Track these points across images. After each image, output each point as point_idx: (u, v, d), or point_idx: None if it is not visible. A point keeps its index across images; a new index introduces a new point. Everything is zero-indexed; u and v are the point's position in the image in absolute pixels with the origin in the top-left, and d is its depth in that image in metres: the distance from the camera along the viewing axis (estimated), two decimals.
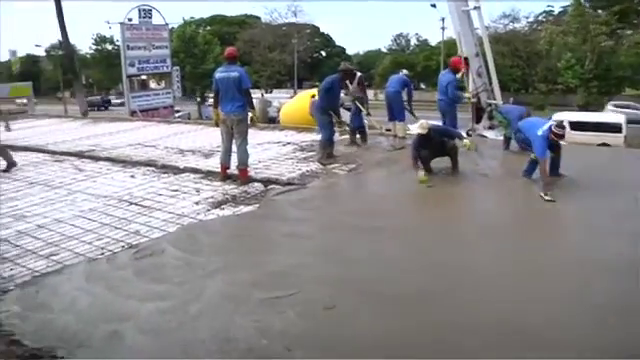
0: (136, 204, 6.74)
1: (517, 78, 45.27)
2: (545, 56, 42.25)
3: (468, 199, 6.87)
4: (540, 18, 48.44)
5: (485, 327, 3.55)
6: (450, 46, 38.68)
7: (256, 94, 18.55)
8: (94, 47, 56.87)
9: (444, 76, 9.92)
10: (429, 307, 3.86)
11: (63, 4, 23.32)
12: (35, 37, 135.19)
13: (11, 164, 9.32)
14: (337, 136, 9.37)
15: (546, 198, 6.18)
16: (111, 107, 51.43)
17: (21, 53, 70.35)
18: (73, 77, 24.15)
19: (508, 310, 3.77)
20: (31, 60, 68.23)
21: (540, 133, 6.58)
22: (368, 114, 9.90)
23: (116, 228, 5.86)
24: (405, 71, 10.72)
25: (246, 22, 63.96)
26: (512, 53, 44.78)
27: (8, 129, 11.75)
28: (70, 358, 3.39)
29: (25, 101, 30.20)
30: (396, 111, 10.14)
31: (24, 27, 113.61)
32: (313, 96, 9.93)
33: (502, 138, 9.18)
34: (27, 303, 4.12)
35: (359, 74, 9.82)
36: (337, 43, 67.45)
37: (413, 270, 4.49)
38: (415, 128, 7.84)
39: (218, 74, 7.48)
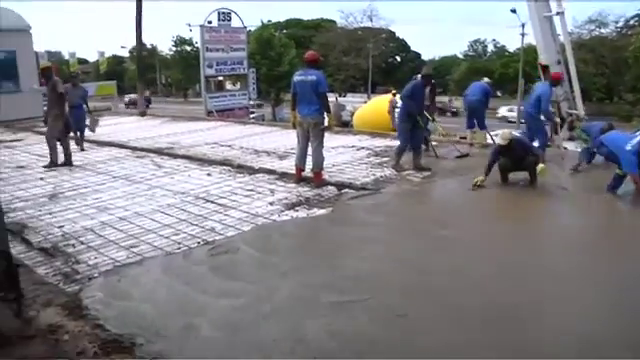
0: (212, 202, 6.90)
1: (601, 87, 43.08)
2: (634, 63, 39.53)
3: (546, 212, 6.61)
4: (632, 22, 45.89)
5: (563, 346, 3.40)
6: (529, 53, 37.49)
7: (330, 98, 18.63)
8: (174, 48, 59.05)
9: (540, 87, 9.37)
10: (501, 320, 3.75)
11: (145, 5, 24.22)
12: (121, 38, 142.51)
13: (52, 163, 9.45)
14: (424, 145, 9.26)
15: None
16: (151, 106, 52.86)
17: (108, 54, 74.10)
18: (138, 78, 25.23)
19: (582, 328, 3.61)
20: (116, 60, 71.72)
21: (629, 148, 6.25)
22: (433, 120, 9.78)
23: (192, 224, 6.01)
24: (487, 79, 10.51)
25: (322, 26, 64.62)
26: (597, 60, 42.66)
27: (92, 130, 12.07)
28: (148, 346, 3.50)
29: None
30: (478, 120, 10.01)
31: (112, 29, 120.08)
32: (394, 94, 9.93)
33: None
34: (110, 290, 4.30)
35: (432, 81, 9.72)
36: (412, 48, 67.00)
37: (486, 282, 4.36)
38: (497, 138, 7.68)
39: (296, 77, 7.51)
